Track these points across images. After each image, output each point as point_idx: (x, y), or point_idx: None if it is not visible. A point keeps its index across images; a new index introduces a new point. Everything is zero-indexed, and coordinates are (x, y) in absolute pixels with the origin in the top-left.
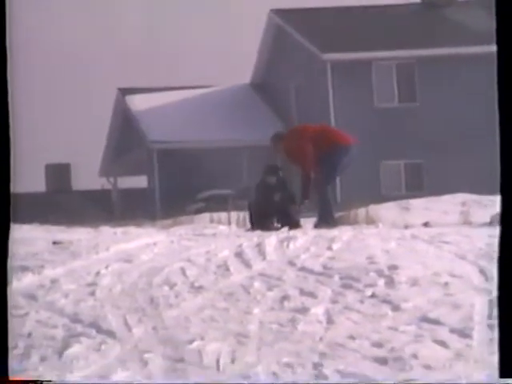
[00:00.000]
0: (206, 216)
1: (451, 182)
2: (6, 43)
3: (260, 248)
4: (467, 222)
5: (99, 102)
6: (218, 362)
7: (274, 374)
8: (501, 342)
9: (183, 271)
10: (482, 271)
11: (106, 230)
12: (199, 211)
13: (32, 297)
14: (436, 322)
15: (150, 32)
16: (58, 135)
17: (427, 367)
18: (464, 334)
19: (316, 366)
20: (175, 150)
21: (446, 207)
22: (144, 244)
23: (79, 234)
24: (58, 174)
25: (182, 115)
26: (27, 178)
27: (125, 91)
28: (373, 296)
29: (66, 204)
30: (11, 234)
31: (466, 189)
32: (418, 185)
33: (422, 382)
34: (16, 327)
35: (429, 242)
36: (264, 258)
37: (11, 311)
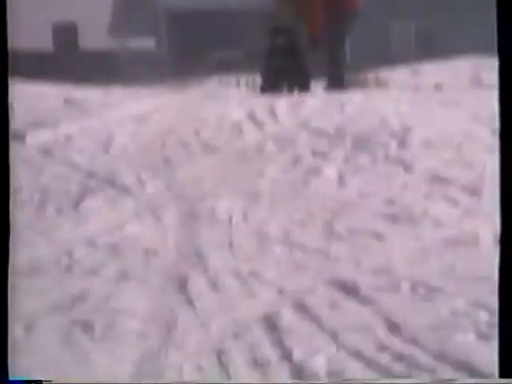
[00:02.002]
0: (215, 78)
1: (463, 44)
2: None
3: (272, 110)
4: (480, 85)
5: None
6: (230, 218)
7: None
8: (501, 342)
9: (196, 132)
10: (495, 132)
11: (117, 90)
12: (208, 74)
13: (47, 151)
14: (447, 181)
15: None
16: None
17: (437, 224)
18: (474, 191)
19: (327, 223)
20: (184, 13)
21: (457, 70)
22: (156, 104)
23: (90, 93)
24: (65, 33)
25: None
26: (34, 37)
27: None
28: (385, 157)
29: (74, 63)
30: (19, 91)
31: (478, 51)
32: (429, 47)
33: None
34: (32, 181)
35: (441, 104)
36: (276, 120)
37: (27, 164)
